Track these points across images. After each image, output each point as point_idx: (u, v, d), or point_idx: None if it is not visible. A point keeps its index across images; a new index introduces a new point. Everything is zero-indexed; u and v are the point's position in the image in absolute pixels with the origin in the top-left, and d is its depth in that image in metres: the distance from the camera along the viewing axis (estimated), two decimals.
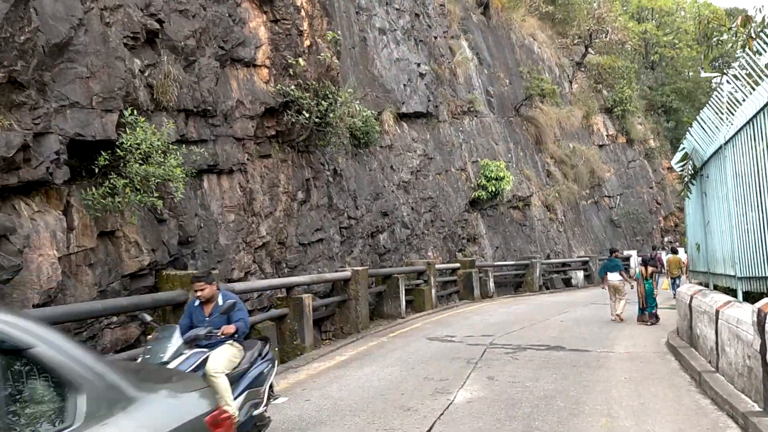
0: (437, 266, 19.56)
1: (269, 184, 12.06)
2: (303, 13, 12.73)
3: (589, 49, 37.75)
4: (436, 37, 24.08)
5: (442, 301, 20.53)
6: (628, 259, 35.28)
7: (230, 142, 10.97)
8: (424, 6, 23.56)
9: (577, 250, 31.11)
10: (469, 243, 23.71)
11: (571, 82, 37.22)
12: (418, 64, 21.39)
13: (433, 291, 18.72)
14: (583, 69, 38.60)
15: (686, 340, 10.99)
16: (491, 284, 22.91)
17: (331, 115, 12.65)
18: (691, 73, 50.02)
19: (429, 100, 21.69)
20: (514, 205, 26.66)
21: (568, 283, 28.39)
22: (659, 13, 47.69)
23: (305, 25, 12.60)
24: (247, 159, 11.41)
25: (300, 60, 11.78)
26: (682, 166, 10.56)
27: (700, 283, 11.90)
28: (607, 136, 38.29)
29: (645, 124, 43.31)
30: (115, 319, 7.90)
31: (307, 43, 12.56)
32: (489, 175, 23.84)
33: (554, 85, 29.53)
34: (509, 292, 25.25)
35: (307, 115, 11.83)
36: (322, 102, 12.22)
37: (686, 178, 10.55)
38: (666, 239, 43.57)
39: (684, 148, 10.38)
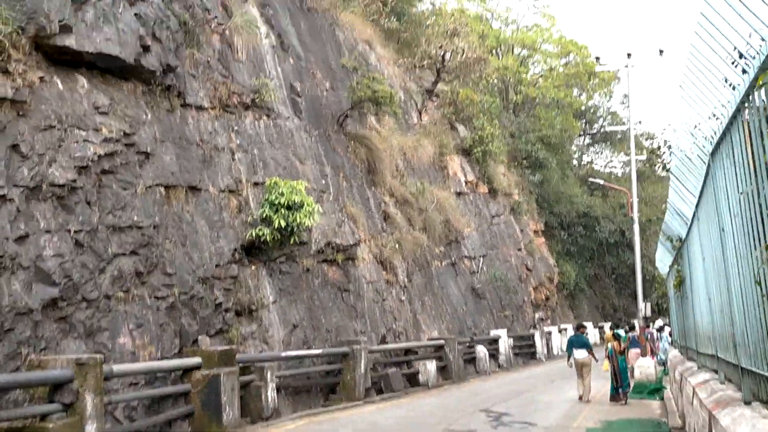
0: (118, 368, 8.94)
1: None
2: None
3: (442, 75, 29.91)
4: None
5: None
6: (496, 340, 26.34)
7: None
8: None
9: (429, 329, 21.52)
10: (240, 319, 13.35)
11: (420, 113, 28.95)
12: None
13: (91, 428, 7.98)
14: (435, 98, 30.64)
15: None
16: (270, 394, 12.46)
17: None
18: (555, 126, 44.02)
19: (145, 48, 11.56)
20: (329, 258, 16.78)
21: (412, 380, 18.47)
22: (522, 46, 41.66)
23: None
24: None
25: None
26: None
27: None
28: (466, 182, 30.06)
29: (509, 176, 35.93)
30: None
31: None
32: (275, 201, 13.87)
33: (391, 89, 20.59)
34: (313, 402, 14.87)
35: None
36: None
37: None
38: (537, 315, 35.49)
39: None
